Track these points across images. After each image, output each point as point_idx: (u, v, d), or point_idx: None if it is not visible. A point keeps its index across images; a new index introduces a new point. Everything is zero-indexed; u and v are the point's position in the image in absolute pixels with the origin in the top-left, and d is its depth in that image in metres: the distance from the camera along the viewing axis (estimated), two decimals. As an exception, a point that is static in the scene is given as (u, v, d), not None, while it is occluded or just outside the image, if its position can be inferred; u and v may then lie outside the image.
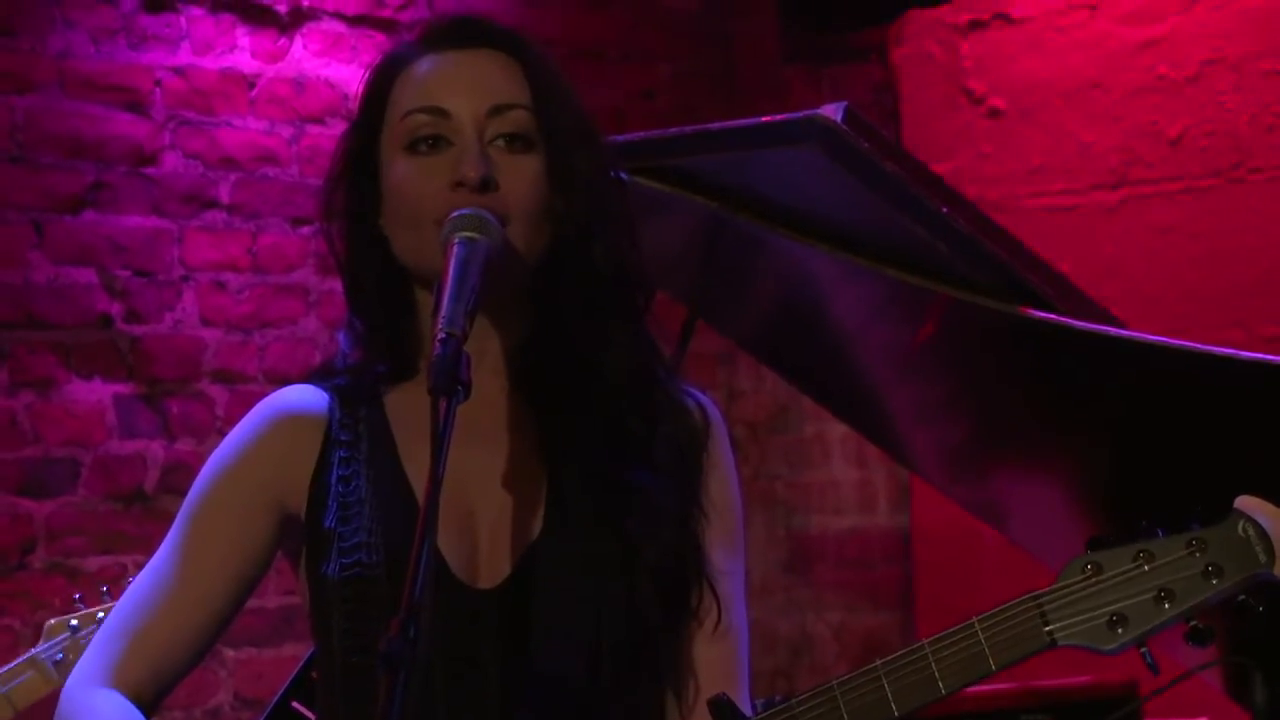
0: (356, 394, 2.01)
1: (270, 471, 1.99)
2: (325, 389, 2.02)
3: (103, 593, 3.10)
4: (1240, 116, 4.69)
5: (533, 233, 1.94)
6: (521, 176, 1.94)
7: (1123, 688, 3.46)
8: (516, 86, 1.97)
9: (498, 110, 1.95)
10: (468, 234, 1.86)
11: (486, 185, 1.91)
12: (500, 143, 1.95)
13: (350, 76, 4.82)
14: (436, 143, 1.95)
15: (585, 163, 1.97)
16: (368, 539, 1.93)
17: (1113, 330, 2.68)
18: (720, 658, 1.98)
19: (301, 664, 3.13)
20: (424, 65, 1.99)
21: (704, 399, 2.05)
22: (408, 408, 1.99)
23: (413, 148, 1.96)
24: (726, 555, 2.00)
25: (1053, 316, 2.67)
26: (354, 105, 2.05)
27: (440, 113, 1.95)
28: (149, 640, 1.96)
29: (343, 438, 1.98)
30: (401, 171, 1.96)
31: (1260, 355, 2.60)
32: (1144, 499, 2.83)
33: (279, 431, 2.00)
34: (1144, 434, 2.77)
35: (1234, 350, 2.60)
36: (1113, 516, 2.95)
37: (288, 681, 3.11)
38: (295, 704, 3.03)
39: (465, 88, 1.96)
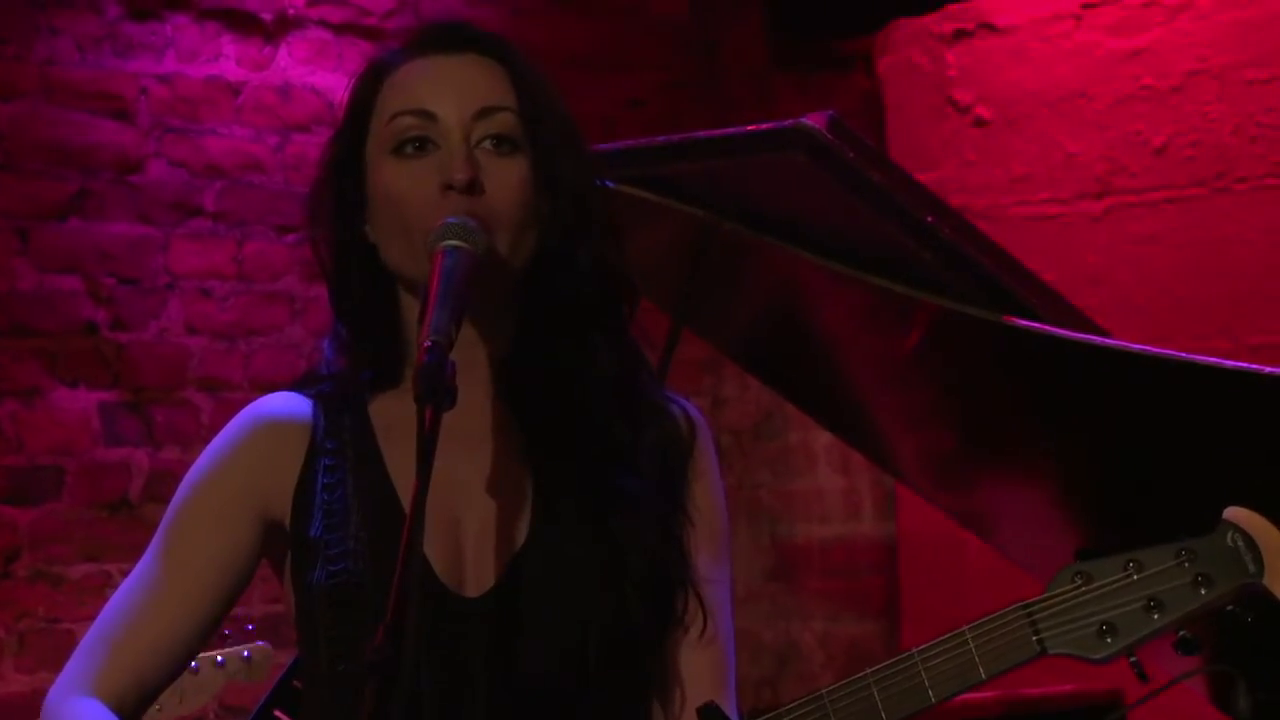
0: (341, 402, 2.01)
1: (253, 479, 1.98)
2: (309, 396, 2.02)
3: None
4: (1224, 126, 4.70)
5: (518, 236, 1.94)
6: (507, 179, 1.94)
7: (1108, 695, 3.47)
8: (503, 90, 1.97)
9: (484, 113, 1.95)
10: (454, 242, 1.86)
11: (473, 187, 1.91)
12: (487, 144, 1.95)
13: (336, 84, 4.82)
14: (423, 145, 1.95)
15: (571, 166, 1.97)
16: (354, 547, 1.92)
17: (1097, 339, 2.68)
18: (707, 665, 1.98)
19: (284, 672, 3.12)
20: (410, 69, 1.99)
21: (689, 406, 2.05)
22: (393, 416, 1.99)
23: (399, 150, 1.96)
24: (712, 562, 2.00)
25: (1037, 325, 2.67)
26: (340, 112, 2.05)
27: (427, 115, 1.95)
28: (131, 649, 1.95)
29: (328, 446, 1.98)
30: (388, 175, 1.96)
31: (1246, 364, 2.60)
32: (1131, 509, 2.83)
33: (262, 439, 2.00)
34: (1130, 443, 2.77)
35: (1219, 359, 2.61)
36: (1099, 526, 2.95)
37: (270, 690, 3.10)
38: (278, 712, 3.03)
39: (452, 90, 1.96)
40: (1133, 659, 1.85)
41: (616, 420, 1.97)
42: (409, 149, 1.96)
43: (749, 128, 2.81)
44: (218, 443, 2.01)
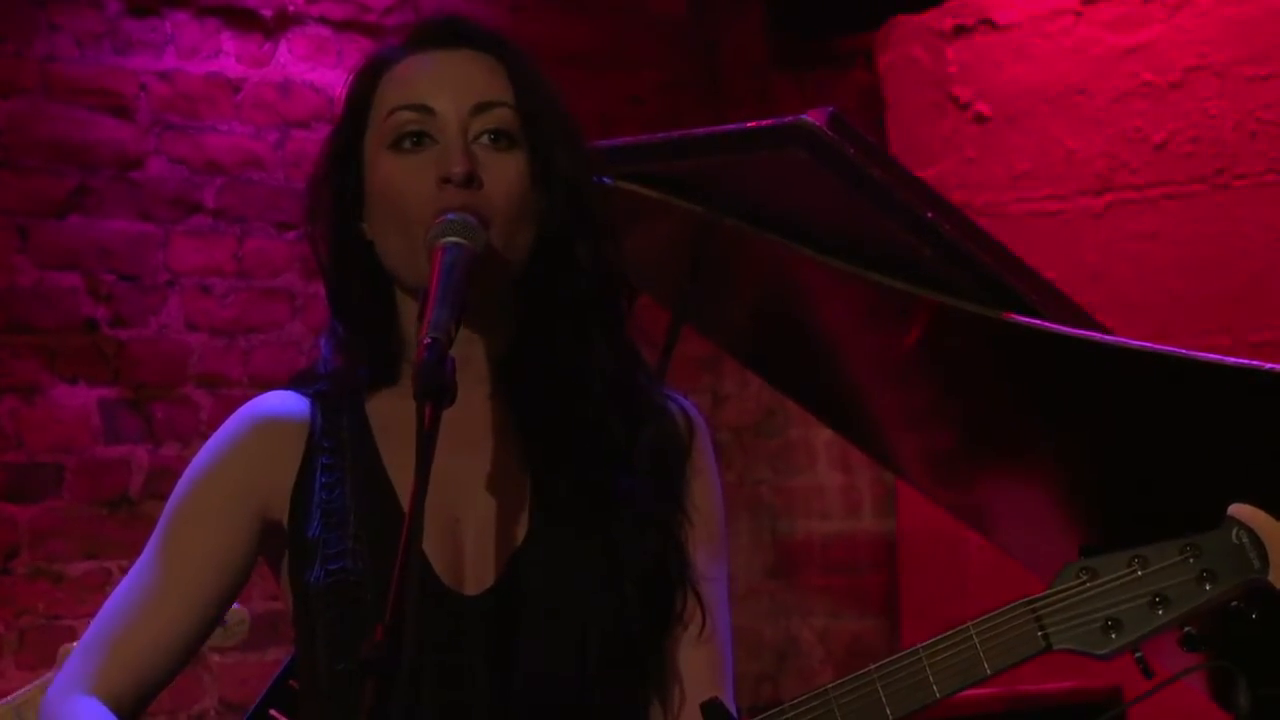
0: (338, 400, 2.01)
1: (251, 478, 1.98)
2: (306, 395, 2.02)
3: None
4: (1225, 123, 4.70)
5: (515, 231, 1.94)
6: (505, 174, 1.94)
7: (1107, 692, 3.47)
8: (500, 85, 1.97)
9: (482, 108, 1.96)
10: (454, 239, 1.86)
11: (471, 180, 1.91)
12: (485, 139, 1.95)
13: (336, 81, 4.79)
14: (420, 140, 1.95)
15: (568, 163, 1.97)
16: (352, 546, 1.92)
17: (1098, 336, 2.68)
18: (705, 662, 1.98)
19: (279, 671, 3.11)
20: (409, 64, 2.00)
21: (687, 404, 2.05)
22: (390, 414, 1.99)
23: (397, 145, 1.96)
24: (710, 560, 2.00)
25: (1038, 322, 2.67)
26: (339, 109, 2.05)
27: (425, 110, 1.95)
28: (130, 647, 1.95)
29: (325, 444, 1.98)
30: (386, 170, 1.96)
31: (1246, 361, 2.60)
32: (1134, 506, 2.83)
33: (260, 438, 1.99)
34: (1131, 440, 2.77)
35: (1220, 356, 2.61)
36: (1101, 523, 2.95)
37: (265, 689, 3.09)
38: (274, 712, 3.02)
39: (450, 85, 1.96)
40: (1138, 655, 1.85)
41: (614, 418, 1.97)
42: (407, 144, 1.96)
43: (750, 124, 2.81)
44: (215, 441, 2.01)
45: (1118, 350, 2.64)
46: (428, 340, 1.73)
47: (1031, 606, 1.84)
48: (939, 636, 1.84)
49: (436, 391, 1.71)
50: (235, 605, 3.15)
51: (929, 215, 2.69)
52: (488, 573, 1.93)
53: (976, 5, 5.10)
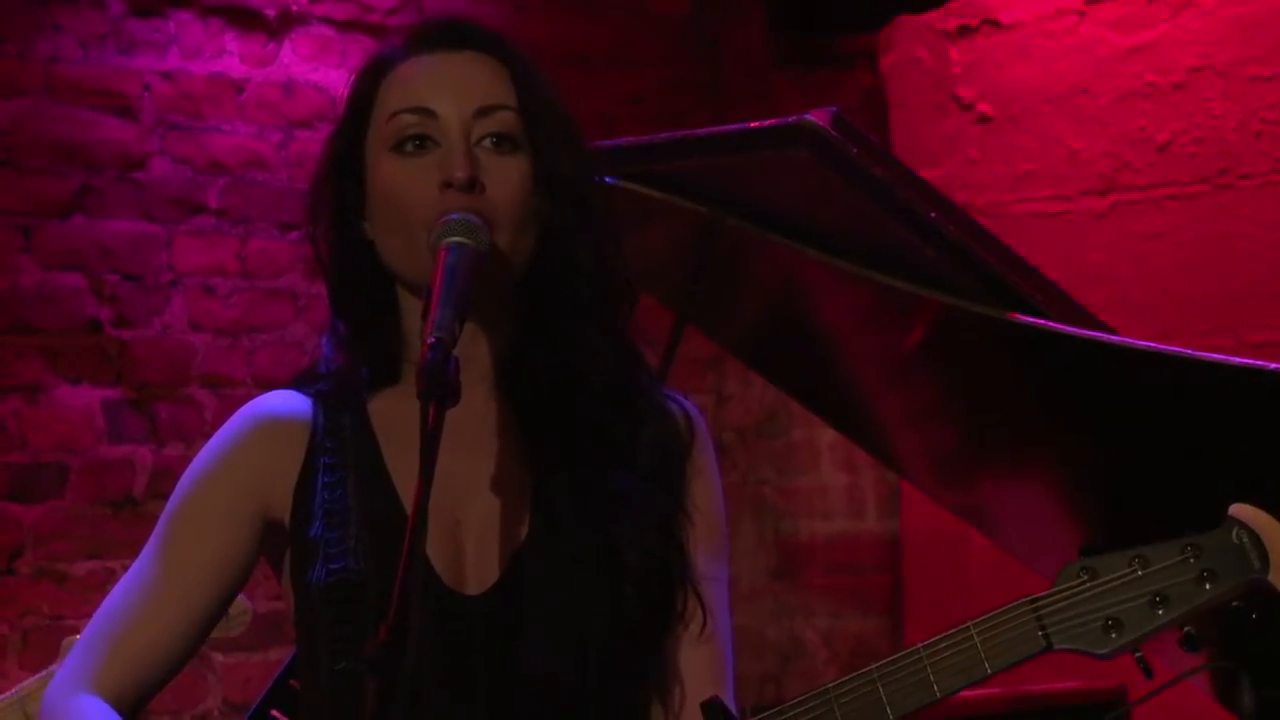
0: (340, 399, 2.01)
1: (252, 478, 1.98)
2: (308, 394, 2.02)
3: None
4: (1228, 123, 4.69)
5: (518, 234, 1.94)
6: (507, 177, 1.94)
7: (1112, 692, 3.47)
8: (503, 88, 1.97)
9: (484, 111, 1.96)
10: (457, 239, 1.86)
11: (473, 185, 1.91)
12: (487, 143, 1.95)
13: (339, 81, 4.76)
14: (423, 143, 1.96)
15: (570, 165, 1.97)
16: (354, 546, 1.92)
17: (1101, 336, 2.68)
18: (706, 662, 1.98)
19: (280, 671, 3.11)
20: (411, 67, 2.00)
21: (688, 404, 2.05)
22: (392, 413, 1.99)
23: (399, 148, 1.96)
24: (710, 560, 2.01)
25: (1041, 322, 2.67)
26: (341, 109, 2.05)
27: (427, 113, 1.95)
28: (130, 646, 1.95)
29: (327, 444, 1.98)
30: (388, 172, 1.96)
31: (1249, 361, 2.60)
32: (1135, 505, 2.83)
33: (261, 438, 1.99)
34: (1133, 440, 2.77)
35: (1222, 356, 2.61)
36: (1103, 523, 2.95)
37: (266, 689, 3.09)
38: (275, 712, 3.02)
39: (452, 88, 1.96)
40: (1138, 654, 1.85)
41: (615, 418, 1.98)
42: (409, 146, 1.96)
43: (753, 124, 2.81)
44: (217, 440, 2.01)
45: (1121, 350, 2.64)
46: (431, 340, 1.74)
47: (1032, 606, 1.85)
48: (939, 635, 1.84)
49: (441, 392, 1.71)
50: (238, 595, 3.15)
51: (932, 215, 2.69)
52: (489, 573, 1.93)
53: (980, 5, 5.10)
